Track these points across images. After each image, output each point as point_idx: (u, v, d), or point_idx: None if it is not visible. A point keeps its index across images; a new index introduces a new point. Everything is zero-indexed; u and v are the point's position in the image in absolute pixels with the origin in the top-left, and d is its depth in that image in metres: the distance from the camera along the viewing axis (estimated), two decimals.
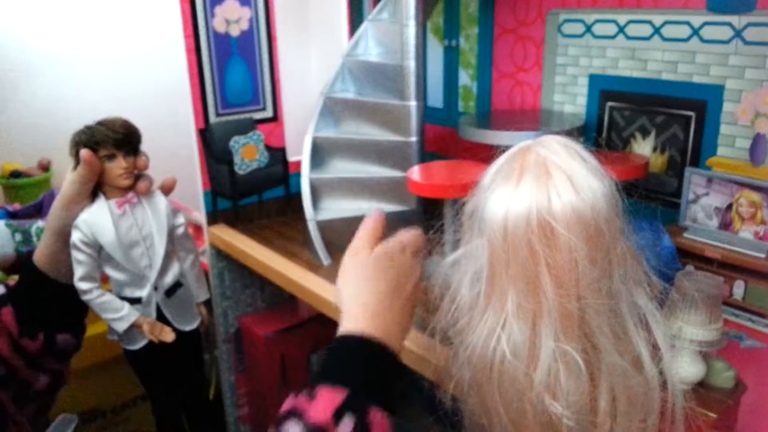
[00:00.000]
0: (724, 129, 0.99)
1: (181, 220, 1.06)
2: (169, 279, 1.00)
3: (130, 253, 0.88)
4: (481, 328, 0.57)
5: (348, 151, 1.25)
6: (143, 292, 0.90)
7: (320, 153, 1.25)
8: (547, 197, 0.53)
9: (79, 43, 1.59)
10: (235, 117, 1.32)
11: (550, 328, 0.53)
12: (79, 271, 0.81)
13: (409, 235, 0.70)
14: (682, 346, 0.69)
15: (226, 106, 1.31)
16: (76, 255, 0.81)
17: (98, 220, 0.82)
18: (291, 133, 1.42)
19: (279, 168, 1.39)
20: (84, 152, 0.77)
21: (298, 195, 1.23)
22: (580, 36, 1.16)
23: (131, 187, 0.93)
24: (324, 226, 1.17)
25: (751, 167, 0.96)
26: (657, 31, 1.05)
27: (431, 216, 0.81)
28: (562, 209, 0.52)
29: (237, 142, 1.30)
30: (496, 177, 0.57)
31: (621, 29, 1.10)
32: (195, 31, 1.24)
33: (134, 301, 0.90)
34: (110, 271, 0.87)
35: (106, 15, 1.61)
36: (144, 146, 0.96)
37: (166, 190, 1.03)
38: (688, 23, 1.01)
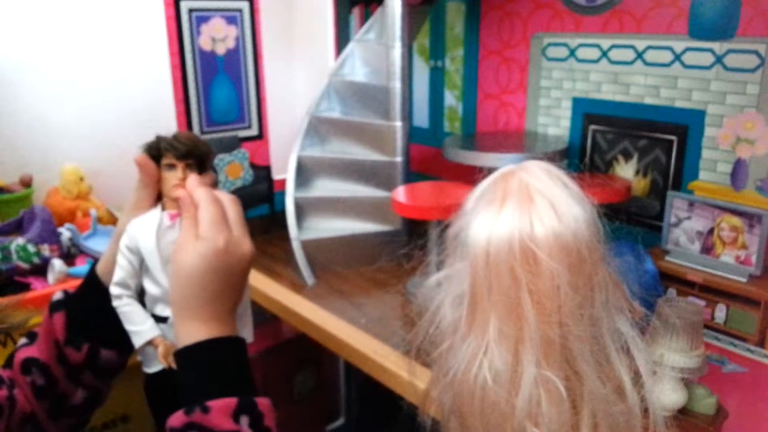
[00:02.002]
0: (705, 153, 1.00)
1: None
2: None
3: (167, 268, 0.85)
4: (462, 353, 0.56)
5: (333, 170, 1.25)
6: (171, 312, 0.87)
7: (305, 172, 1.25)
8: (530, 223, 0.52)
9: (62, 59, 1.58)
10: (220, 135, 1.32)
11: (531, 354, 0.53)
12: (116, 276, 0.79)
13: (233, 211, 0.72)
14: (664, 373, 0.69)
15: (211, 123, 1.30)
16: (118, 258, 0.79)
17: (145, 227, 0.79)
18: (276, 152, 1.41)
19: (263, 186, 1.39)
20: (138, 156, 0.76)
21: (282, 213, 1.22)
22: (564, 60, 1.17)
23: None
24: (308, 246, 1.17)
25: (732, 192, 0.97)
26: (640, 55, 1.06)
27: (416, 236, 0.81)
28: (545, 235, 0.52)
29: (222, 160, 1.29)
30: (479, 202, 0.57)
31: (604, 53, 1.11)
32: (180, 49, 1.23)
33: (161, 320, 0.87)
34: (147, 284, 0.84)
35: (90, 31, 1.60)
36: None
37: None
38: (670, 49, 1.02)
